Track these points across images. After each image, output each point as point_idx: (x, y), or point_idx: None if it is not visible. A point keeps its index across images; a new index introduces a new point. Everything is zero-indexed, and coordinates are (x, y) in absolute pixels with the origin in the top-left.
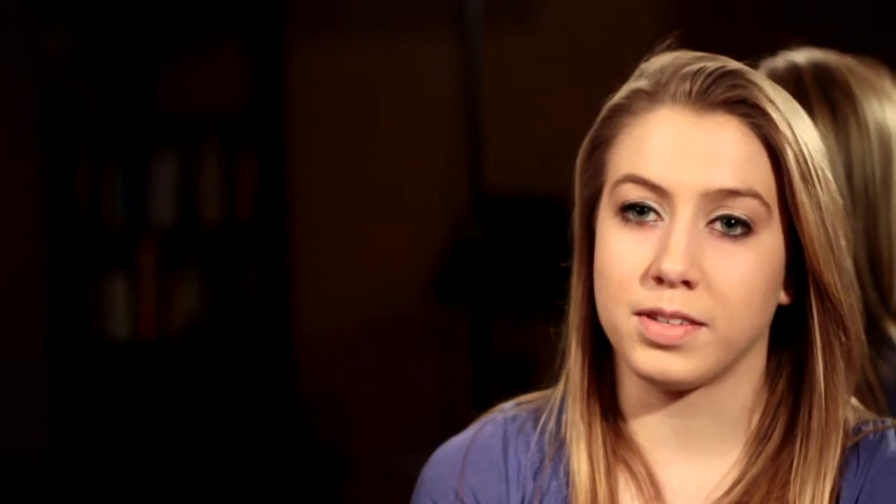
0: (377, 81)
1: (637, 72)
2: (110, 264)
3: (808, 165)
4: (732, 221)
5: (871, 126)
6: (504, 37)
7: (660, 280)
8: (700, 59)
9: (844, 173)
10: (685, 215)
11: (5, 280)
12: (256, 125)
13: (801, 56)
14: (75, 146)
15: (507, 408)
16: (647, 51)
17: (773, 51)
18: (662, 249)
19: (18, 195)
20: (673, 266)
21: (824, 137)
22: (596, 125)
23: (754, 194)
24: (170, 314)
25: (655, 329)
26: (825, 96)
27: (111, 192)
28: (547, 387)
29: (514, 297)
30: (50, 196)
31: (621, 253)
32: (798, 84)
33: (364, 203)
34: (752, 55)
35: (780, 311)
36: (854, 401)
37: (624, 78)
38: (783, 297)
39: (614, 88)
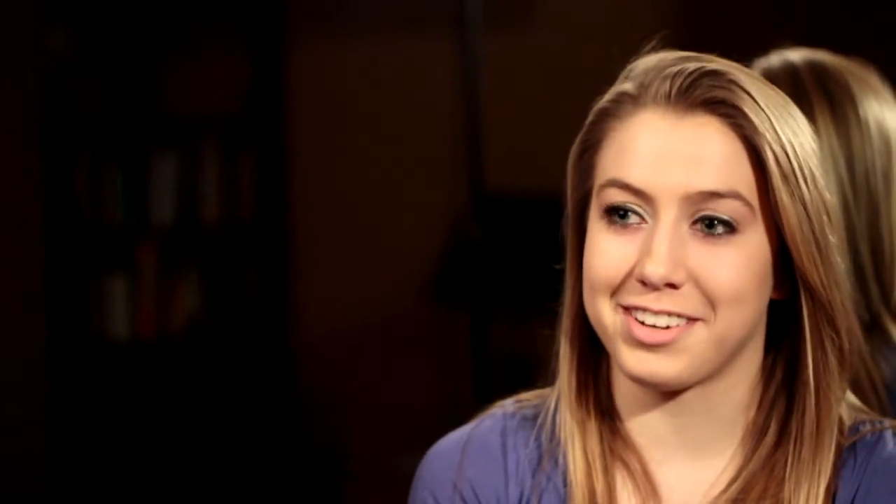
0: (377, 81)
1: (623, 73)
2: (110, 264)
3: (790, 164)
4: (715, 222)
5: (871, 121)
6: (504, 37)
7: (644, 283)
8: (683, 59)
9: (846, 167)
10: (668, 218)
11: (5, 280)
12: (256, 125)
13: (796, 55)
14: (75, 146)
15: (507, 404)
16: (636, 52)
17: (766, 50)
18: (645, 252)
19: (18, 195)
20: (655, 269)
21: (825, 133)
22: (584, 129)
23: (736, 195)
24: (170, 314)
25: (642, 332)
26: (824, 92)
27: (111, 192)
28: (545, 386)
29: (513, 297)
30: (50, 196)
31: (605, 253)
32: (795, 81)
33: (364, 203)
34: (750, 54)
35: (777, 308)
36: (853, 399)
37: (617, 79)
38: (775, 293)
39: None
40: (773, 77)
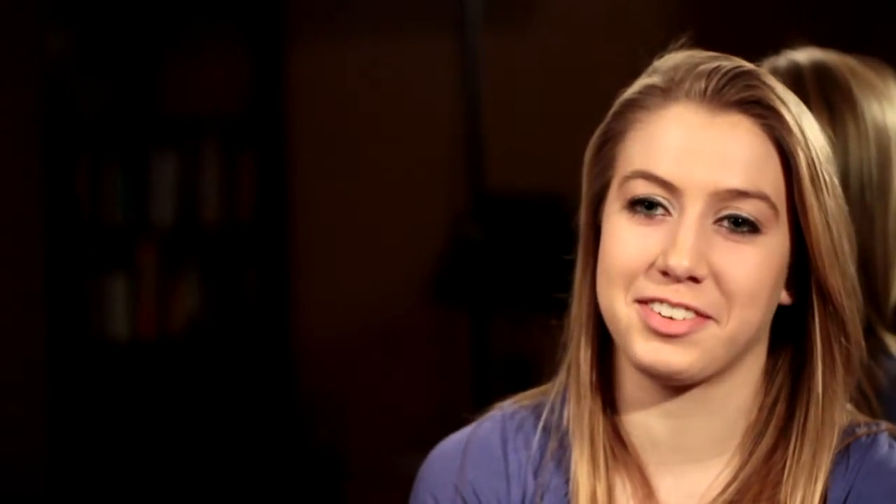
0: (377, 81)
1: (649, 69)
2: (110, 264)
3: (817, 170)
4: (739, 221)
5: (870, 129)
6: (504, 36)
7: (666, 274)
8: (714, 58)
9: (840, 176)
10: (694, 212)
11: (5, 280)
12: (256, 125)
13: (803, 55)
14: (75, 146)
15: (506, 405)
16: (655, 50)
17: (776, 50)
18: (670, 244)
19: (18, 195)
20: (680, 261)
21: None
22: (607, 119)
23: (763, 196)
24: (170, 314)
25: (658, 320)
26: (824, 97)
27: (111, 192)
28: (548, 382)
29: (513, 297)
30: (50, 196)
31: (627, 242)
32: (798, 84)
33: (364, 203)
34: (754, 54)
35: (780, 312)
36: (848, 405)
37: (629, 76)
38: (784, 298)
39: (615, 88)
40: (777, 78)
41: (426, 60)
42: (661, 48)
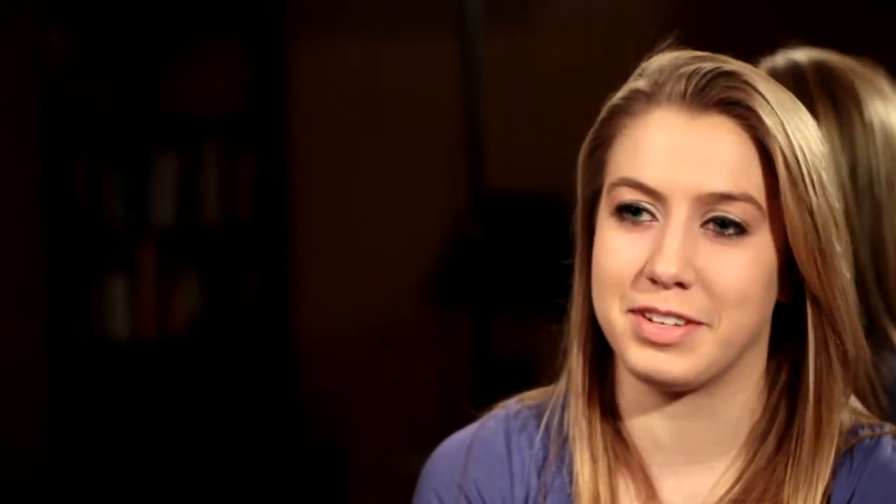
0: (377, 81)
1: (637, 71)
2: (110, 264)
3: (799, 168)
4: (725, 223)
5: (875, 124)
6: (504, 37)
7: (654, 281)
8: (698, 59)
9: (849, 172)
10: (679, 217)
11: (5, 280)
12: (256, 125)
13: (802, 55)
14: (75, 146)
15: (510, 404)
16: (648, 50)
17: (772, 50)
18: (656, 250)
19: (18, 195)
20: (666, 268)
21: (827, 137)
22: (596, 125)
23: (747, 198)
24: (170, 314)
25: (651, 329)
26: (829, 94)
27: (111, 192)
28: (549, 384)
29: (513, 297)
30: (50, 196)
31: (616, 251)
32: (800, 83)
33: (364, 203)
34: (753, 55)
35: (784, 312)
36: (856, 403)
37: (625, 77)
38: (782, 295)
39: (615, 88)
40: (777, 78)
41: (426, 60)
42: (658, 49)
